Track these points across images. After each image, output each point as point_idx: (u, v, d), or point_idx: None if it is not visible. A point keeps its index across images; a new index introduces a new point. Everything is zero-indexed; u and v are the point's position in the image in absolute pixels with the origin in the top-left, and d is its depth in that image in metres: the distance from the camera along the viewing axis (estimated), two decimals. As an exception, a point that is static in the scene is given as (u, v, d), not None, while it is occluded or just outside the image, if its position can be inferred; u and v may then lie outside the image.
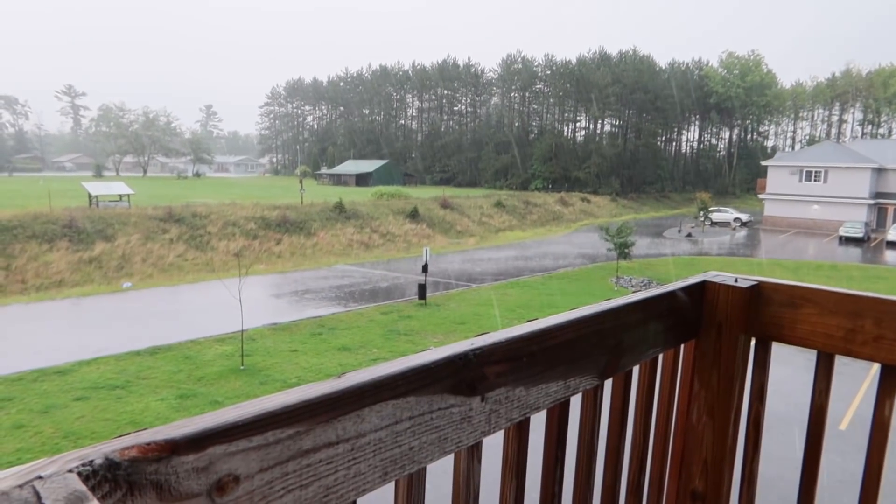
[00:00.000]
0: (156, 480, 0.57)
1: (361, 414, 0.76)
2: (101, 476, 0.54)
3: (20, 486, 0.49)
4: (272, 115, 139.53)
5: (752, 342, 1.51)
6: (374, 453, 0.78)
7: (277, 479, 0.68)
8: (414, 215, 45.29)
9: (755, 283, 1.49)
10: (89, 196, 41.89)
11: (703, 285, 1.51)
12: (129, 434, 0.59)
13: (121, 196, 42.43)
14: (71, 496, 0.49)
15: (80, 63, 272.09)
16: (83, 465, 0.53)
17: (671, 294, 1.42)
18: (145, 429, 0.60)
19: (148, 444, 0.58)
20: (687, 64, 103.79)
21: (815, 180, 56.20)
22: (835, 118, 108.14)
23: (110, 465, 0.55)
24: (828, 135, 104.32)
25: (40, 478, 0.51)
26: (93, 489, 0.52)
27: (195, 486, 0.60)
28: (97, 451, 0.55)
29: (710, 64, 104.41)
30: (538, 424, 1.15)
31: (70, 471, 0.52)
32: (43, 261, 27.26)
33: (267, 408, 0.67)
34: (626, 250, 29.13)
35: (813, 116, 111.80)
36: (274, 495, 0.68)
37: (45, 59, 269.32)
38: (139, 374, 14.91)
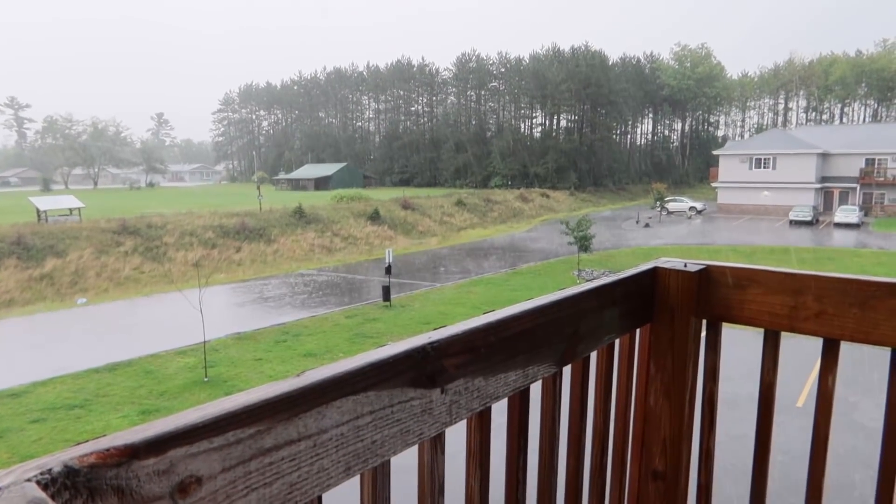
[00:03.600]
0: (116, 485, 0.57)
1: (322, 410, 0.77)
2: (61, 483, 0.54)
3: None
4: (226, 122, 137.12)
5: (704, 324, 1.57)
6: (336, 449, 0.79)
7: (240, 479, 0.68)
8: (375, 217, 45.10)
9: (703, 266, 1.54)
10: (37, 211, 40.53)
11: (654, 271, 1.56)
12: (87, 441, 0.59)
13: (71, 210, 41.16)
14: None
15: (22, 75, 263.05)
16: (41, 473, 0.53)
17: (624, 281, 1.46)
18: (104, 435, 0.60)
19: (107, 449, 0.57)
20: (639, 58, 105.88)
21: (764, 167, 57.95)
22: (780, 106, 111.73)
23: (69, 472, 0.54)
24: (775, 123, 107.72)
25: None
26: (52, 497, 0.52)
27: (157, 489, 0.61)
28: (55, 460, 0.55)
29: (661, 58, 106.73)
30: (501, 414, 1.18)
31: (28, 479, 0.52)
32: (-9, 280, 26.27)
33: (227, 408, 0.68)
34: (587, 243, 29.56)
35: (760, 105, 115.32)
36: (237, 494, 0.68)
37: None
38: (98, 391, 14.50)
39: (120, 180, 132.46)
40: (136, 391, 14.50)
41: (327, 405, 0.78)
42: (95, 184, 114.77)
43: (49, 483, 0.53)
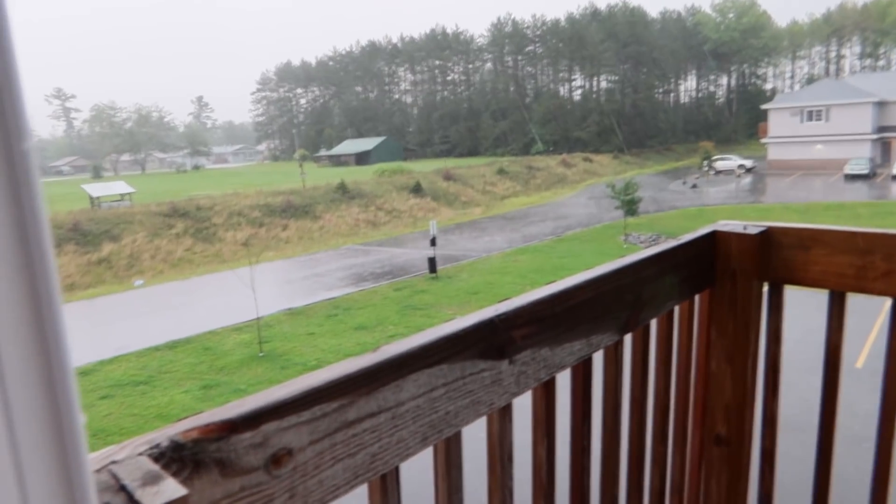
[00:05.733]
0: (218, 458, 0.63)
1: (399, 384, 0.81)
2: (169, 457, 0.59)
3: (98, 471, 0.54)
4: (265, 102, 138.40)
5: (766, 287, 1.55)
6: (413, 420, 0.83)
7: (327, 450, 0.73)
8: (417, 190, 45.18)
9: (764, 228, 1.52)
10: (90, 198, 41.98)
11: (713, 235, 1.54)
12: (189, 417, 0.64)
13: (122, 195, 42.55)
14: (147, 476, 0.55)
15: (66, 66, 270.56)
16: (151, 448, 0.58)
17: (684, 246, 1.45)
18: (203, 412, 0.65)
19: (207, 425, 0.62)
20: (679, 12, 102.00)
21: (816, 120, 55.52)
22: (833, 54, 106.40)
23: (176, 446, 0.60)
24: (827, 72, 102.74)
25: (115, 462, 0.55)
26: (163, 468, 0.57)
27: (253, 461, 0.66)
28: (163, 435, 0.60)
29: (702, 10, 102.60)
30: (565, 383, 1.20)
31: (140, 454, 0.57)
32: (54, 266, 27.44)
33: (312, 384, 0.72)
34: (634, 207, 29.04)
35: (811, 55, 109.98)
36: (325, 465, 0.73)
37: (30, 63, 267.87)
38: (161, 368, 15.14)
39: (166, 164, 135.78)
40: (197, 367, 15.08)
41: (404, 378, 0.81)
42: (143, 169, 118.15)
43: (159, 456, 0.58)
